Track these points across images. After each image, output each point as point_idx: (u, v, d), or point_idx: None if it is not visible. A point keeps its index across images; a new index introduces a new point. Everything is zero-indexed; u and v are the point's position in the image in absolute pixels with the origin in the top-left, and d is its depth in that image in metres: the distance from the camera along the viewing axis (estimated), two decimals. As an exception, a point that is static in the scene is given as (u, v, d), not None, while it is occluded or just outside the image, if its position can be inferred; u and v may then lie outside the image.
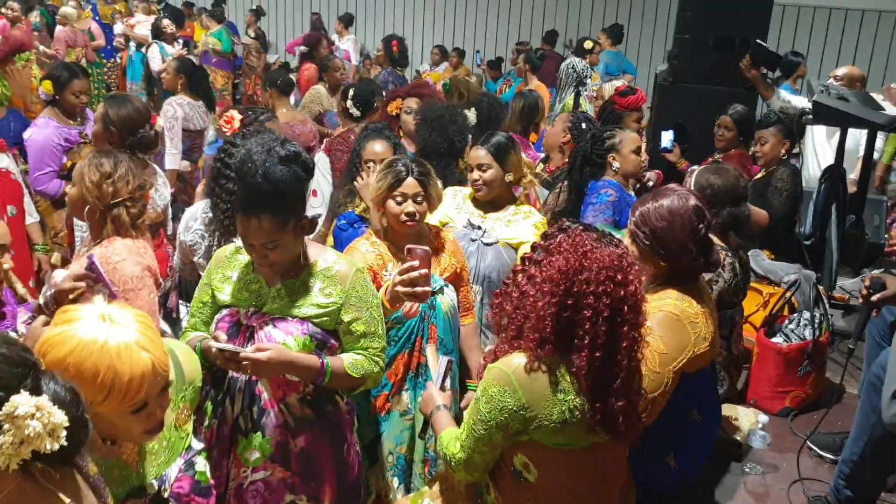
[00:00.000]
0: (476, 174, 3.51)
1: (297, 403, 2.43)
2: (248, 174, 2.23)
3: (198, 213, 3.24)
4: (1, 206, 4.08)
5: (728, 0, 6.02)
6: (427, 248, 2.68)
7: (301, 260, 2.42)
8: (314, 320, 2.38)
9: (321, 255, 2.47)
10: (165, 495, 1.90)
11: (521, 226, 3.49)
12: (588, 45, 8.76)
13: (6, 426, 1.32)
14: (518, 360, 2.02)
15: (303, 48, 8.89)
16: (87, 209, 2.78)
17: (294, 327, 2.36)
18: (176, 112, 5.54)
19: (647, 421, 2.36)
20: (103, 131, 3.69)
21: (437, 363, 2.50)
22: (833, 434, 3.76)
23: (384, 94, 5.64)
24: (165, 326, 3.24)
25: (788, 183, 4.87)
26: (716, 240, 3.23)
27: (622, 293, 1.96)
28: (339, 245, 3.79)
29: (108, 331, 1.60)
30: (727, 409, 3.80)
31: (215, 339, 2.32)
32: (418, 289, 2.58)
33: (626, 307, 1.97)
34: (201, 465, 1.99)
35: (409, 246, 2.63)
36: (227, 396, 2.44)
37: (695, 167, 5.17)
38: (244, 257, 2.46)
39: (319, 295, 2.39)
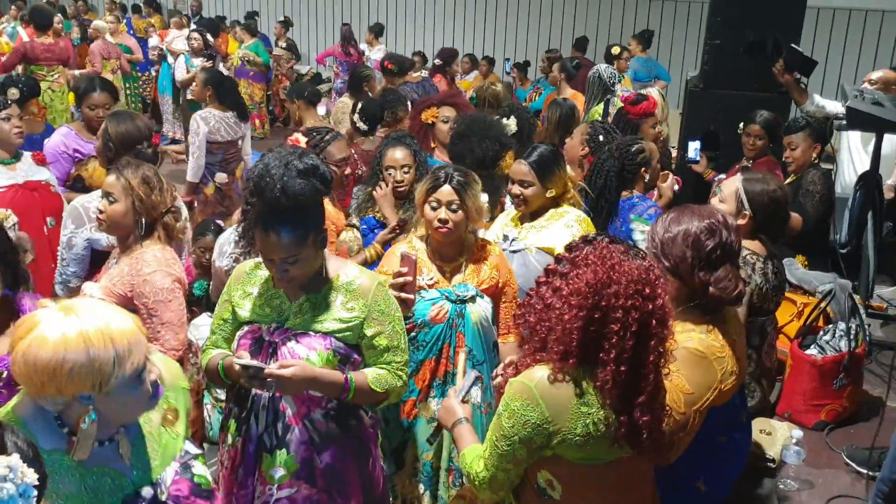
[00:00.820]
0: (517, 189, 3.45)
1: (322, 419, 2.41)
2: (267, 189, 2.21)
3: (231, 237, 3.25)
4: (41, 218, 4.13)
5: (760, 3, 5.96)
6: (415, 255, 2.73)
7: (322, 274, 2.41)
8: (337, 335, 2.37)
9: (343, 268, 2.45)
10: (163, 498, 1.83)
11: (553, 228, 3.40)
12: (616, 50, 8.68)
13: None
14: (540, 372, 1.98)
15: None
16: (135, 222, 2.84)
17: (317, 342, 2.35)
18: (199, 127, 5.58)
19: (673, 457, 2.26)
20: (103, 147, 3.71)
21: (464, 373, 2.44)
22: (871, 449, 3.65)
23: (409, 105, 5.64)
24: (191, 335, 3.26)
25: (820, 185, 4.72)
26: (748, 245, 3.15)
27: (650, 307, 1.92)
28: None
29: (69, 321, 1.58)
30: (760, 423, 3.72)
31: (239, 357, 2.31)
32: (402, 294, 2.60)
33: (654, 321, 1.93)
34: (199, 468, 1.91)
35: (402, 251, 2.67)
36: (251, 414, 2.43)
37: (722, 176, 5.12)
38: (264, 272, 2.45)
39: (342, 309, 2.38)
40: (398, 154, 3.80)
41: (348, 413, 2.46)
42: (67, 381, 1.56)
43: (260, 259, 2.44)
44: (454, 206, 2.90)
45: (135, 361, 1.63)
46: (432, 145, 4.82)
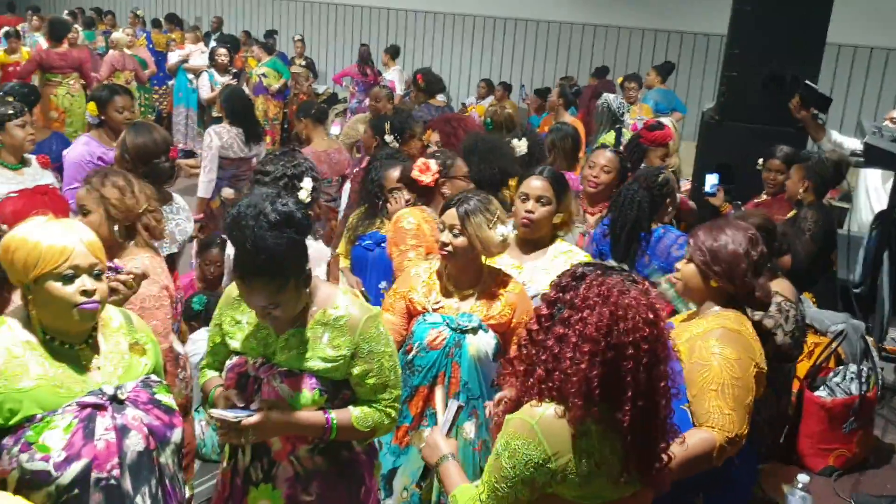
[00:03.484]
0: (531, 205, 3.25)
1: (308, 455, 2.35)
2: (238, 242, 2.13)
3: None
4: (53, 221, 4.11)
5: (779, 37, 5.88)
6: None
7: (310, 307, 2.32)
8: (322, 374, 2.29)
9: (332, 299, 2.34)
10: (122, 397, 2.01)
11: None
12: (619, 80, 8.87)
13: None
14: (541, 409, 1.90)
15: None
16: (114, 229, 2.82)
17: (303, 382, 2.28)
18: (212, 141, 5.56)
19: (747, 428, 2.40)
20: (120, 157, 3.68)
21: (444, 407, 2.33)
22: (880, 497, 3.54)
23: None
24: (180, 348, 3.19)
25: (811, 223, 4.57)
26: (782, 292, 3.22)
27: (655, 332, 1.88)
28: (364, 264, 3.82)
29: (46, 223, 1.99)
30: (769, 467, 3.60)
31: (227, 398, 2.29)
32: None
33: (660, 346, 1.89)
34: (163, 395, 2.11)
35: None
36: (238, 447, 2.38)
37: (738, 202, 5.03)
38: None
39: (328, 346, 2.29)
40: (397, 174, 3.80)
41: (339, 445, 2.38)
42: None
43: None
44: (456, 231, 2.84)
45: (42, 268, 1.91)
46: None
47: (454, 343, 2.85)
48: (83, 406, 1.95)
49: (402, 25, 13.83)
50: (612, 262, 2.41)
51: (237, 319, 2.38)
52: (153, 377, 2.14)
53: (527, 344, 1.99)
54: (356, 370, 2.30)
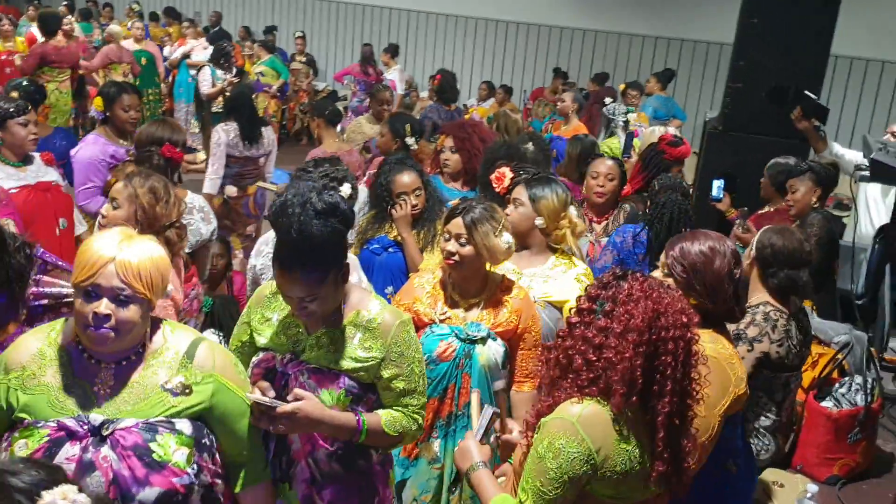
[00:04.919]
0: (509, 209, 3.29)
1: (325, 459, 2.33)
2: (283, 229, 2.13)
3: (270, 238, 3.22)
4: (53, 219, 4.10)
5: (783, 50, 5.95)
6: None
7: (343, 308, 2.32)
8: (351, 374, 2.28)
9: (365, 303, 2.35)
10: (105, 433, 1.91)
11: (561, 280, 3.21)
12: (621, 87, 8.99)
13: None
14: (579, 407, 1.94)
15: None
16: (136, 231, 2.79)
17: (332, 381, 2.27)
18: (220, 138, 5.55)
19: (696, 469, 2.24)
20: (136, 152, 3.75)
21: (479, 413, 2.33)
22: (884, 506, 3.61)
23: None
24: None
25: (817, 228, 4.65)
26: (773, 302, 3.23)
27: (689, 334, 1.96)
28: (371, 268, 3.82)
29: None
30: (773, 475, 3.66)
31: (255, 391, 2.23)
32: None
33: (693, 348, 1.97)
34: (163, 449, 1.97)
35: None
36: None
37: (745, 208, 5.09)
38: None
39: (359, 348, 2.29)
40: (407, 178, 3.80)
41: (355, 453, 2.37)
42: None
43: None
44: (462, 240, 2.84)
45: None
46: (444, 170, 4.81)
47: (464, 354, 2.84)
48: (61, 427, 1.88)
49: (404, 25, 13.84)
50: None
51: (267, 317, 2.37)
52: (178, 422, 1.98)
53: (566, 336, 2.04)
54: (386, 373, 2.29)
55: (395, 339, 2.30)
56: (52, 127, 5.96)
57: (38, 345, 1.99)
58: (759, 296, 3.29)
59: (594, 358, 1.95)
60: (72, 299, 2.00)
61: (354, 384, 2.29)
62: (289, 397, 2.19)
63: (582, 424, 1.91)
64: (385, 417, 2.31)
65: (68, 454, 1.87)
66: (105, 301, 1.88)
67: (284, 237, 2.14)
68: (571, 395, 1.98)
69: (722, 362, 2.40)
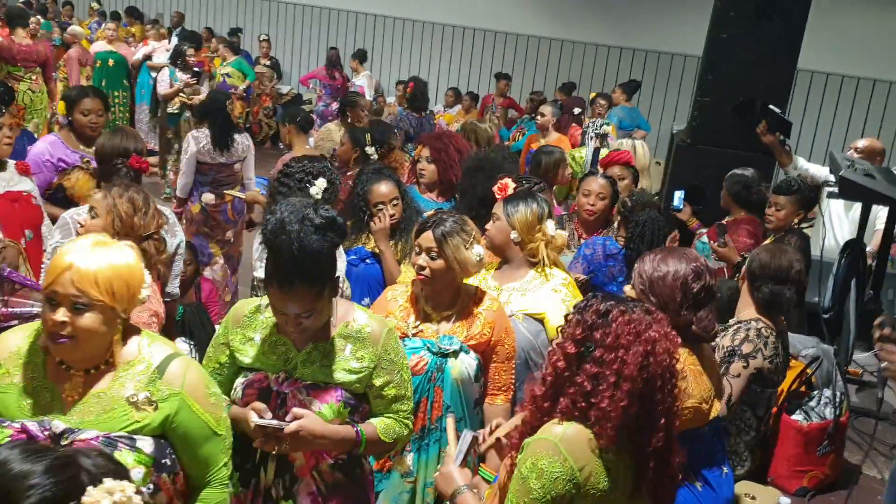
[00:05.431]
0: (489, 225, 3.33)
1: (329, 469, 2.36)
2: (283, 246, 2.12)
3: (258, 246, 3.20)
4: (19, 230, 4.00)
5: (751, 64, 6.06)
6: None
7: (331, 320, 2.32)
8: (347, 386, 2.29)
9: (351, 314, 2.37)
10: (64, 442, 1.87)
11: (539, 293, 3.20)
12: (592, 95, 9.07)
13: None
14: (561, 428, 1.94)
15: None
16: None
17: (328, 395, 2.27)
18: (189, 146, 5.57)
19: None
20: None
21: (457, 438, 2.32)
22: (851, 518, 3.66)
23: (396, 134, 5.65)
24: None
25: (794, 248, 4.76)
26: (763, 318, 3.30)
27: (674, 362, 1.97)
28: (348, 280, 3.78)
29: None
30: (745, 487, 3.70)
31: (256, 413, 2.21)
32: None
33: (675, 368, 1.98)
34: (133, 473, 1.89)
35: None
36: (260, 466, 2.36)
37: (703, 230, 5.16)
38: (265, 316, 2.35)
39: (352, 359, 2.30)
40: (384, 188, 3.80)
41: (354, 462, 2.41)
42: None
43: (259, 302, 2.37)
44: (433, 254, 2.83)
45: None
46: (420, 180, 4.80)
47: (436, 367, 2.84)
48: (23, 429, 1.85)
49: (370, 30, 13.77)
50: (625, 293, 2.53)
51: (249, 336, 2.35)
52: (140, 440, 1.95)
53: (553, 381, 2.02)
54: (378, 381, 2.32)
55: (384, 348, 2.33)
56: (20, 129, 5.80)
57: (18, 343, 1.99)
58: (748, 311, 3.36)
59: (585, 406, 1.93)
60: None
61: (350, 396, 2.30)
62: (287, 417, 2.18)
63: (564, 444, 1.92)
64: (380, 425, 2.35)
65: None
66: (62, 309, 1.87)
67: (284, 254, 2.12)
68: (553, 417, 1.99)
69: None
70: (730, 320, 3.56)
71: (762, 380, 3.28)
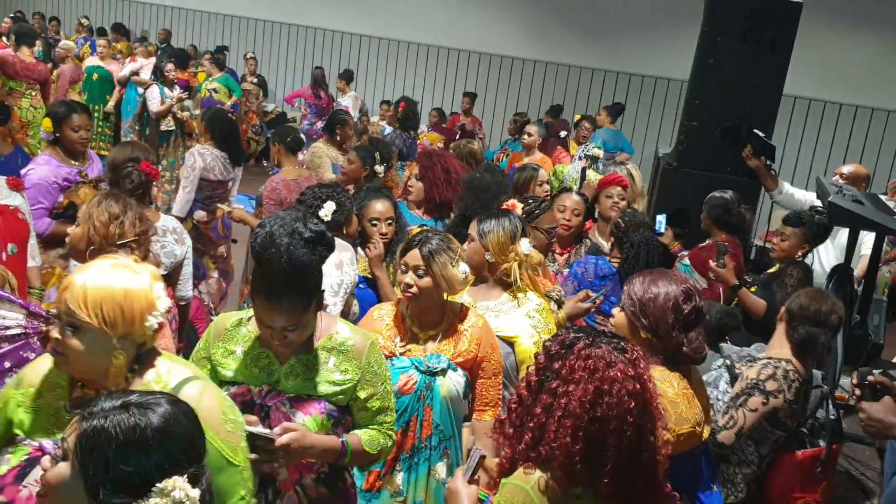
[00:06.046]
0: (465, 245, 3.29)
1: (313, 484, 2.37)
2: (273, 260, 2.13)
3: None
4: (2, 242, 3.95)
5: (738, 89, 6.11)
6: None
7: (314, 333, 2.34)
8: (331, 398, 2.30)
9: (333, 327, 2.39)
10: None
11: (513, 316, 3.21)
12: (577, 117, 9.19)
13: (155, 498, 1.44)
14: (535, 475, 1.93)
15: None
16: (90, 250, 2.79)
17: (312, 407, 2.28)
18: (195, 162, 5.47)
19: None
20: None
21: (467, 453, 2.38)
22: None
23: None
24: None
25: (795, 280, 4.80)
26: (794, 361, 3.32)
27: (642, 403, 1.91)
28: None
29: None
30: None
31: (248, 423, 2.17)
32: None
33: (646, 417, 1.92)
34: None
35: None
36: None
37: (684, 253, 5.19)
38: (247, 329, 2.36)
39: (335, 371, 2.32)
40: (380, 206, 3.84)
41: (337, 475, 2.43)
42: None
43: (241, 315, 2.38)
44: (420, 272, 2.83)
45: None
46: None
47: (425, 386, 2.84)
48: (40, 448, 1.89)
49: (355, 50, 13.81)
50: (613, 316, 2.52)
51: (230, 349, 2.36)
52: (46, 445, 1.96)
53: (516, 408, 2.02)
54: (363, 393, 2.35)
55: (368, 360, 2.36)
56: (12, 145, 5.80)
57: (49, 366, 2.01)
58: (780, 350, 3.36)
59: (538, 437, 1.92)
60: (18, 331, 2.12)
61: (334, 408, 2.32)
62: (276, 429, 2.17)
63: (535, 493, 1.91)
64: (364, 437, 2.37)
65: (37, 476, 1.84)
66: (59, 326, 1.91)
67: (274, 267, 2.13)
68: (526, 460, 1.96)
69: (664, 401, 2.38)
70: (752, 348, 3.62)
71: (776, 421, 3.28)
